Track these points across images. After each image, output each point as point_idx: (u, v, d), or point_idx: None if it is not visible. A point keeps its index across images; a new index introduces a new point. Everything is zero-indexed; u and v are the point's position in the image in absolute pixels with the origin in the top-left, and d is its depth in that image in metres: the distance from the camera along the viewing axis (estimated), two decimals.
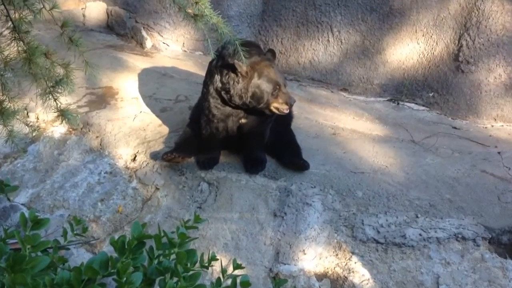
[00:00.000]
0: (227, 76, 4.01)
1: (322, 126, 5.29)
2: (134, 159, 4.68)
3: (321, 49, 6.24)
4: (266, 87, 3.97)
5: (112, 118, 5.10)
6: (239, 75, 3.95)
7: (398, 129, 5.43)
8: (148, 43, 6.92)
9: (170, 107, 5.38)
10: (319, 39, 6.21)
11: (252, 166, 4.42)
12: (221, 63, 4.02)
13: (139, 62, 6.31)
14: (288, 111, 4.10)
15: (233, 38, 2.98)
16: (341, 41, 6.13)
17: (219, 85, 4.07)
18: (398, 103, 6.05)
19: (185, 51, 6.85)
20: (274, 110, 4.06)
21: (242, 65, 3.81)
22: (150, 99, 5.49)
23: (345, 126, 5.34)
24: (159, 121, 5.10)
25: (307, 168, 4.41)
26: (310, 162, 4.44)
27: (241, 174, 4.40)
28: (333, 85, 6.28)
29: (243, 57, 3.21)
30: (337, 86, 6.27)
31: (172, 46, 6.89)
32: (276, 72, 4.06)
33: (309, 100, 5.98)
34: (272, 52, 4.22)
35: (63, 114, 2.93)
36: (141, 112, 5.24)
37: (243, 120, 4.29)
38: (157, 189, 4.44)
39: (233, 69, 3.96)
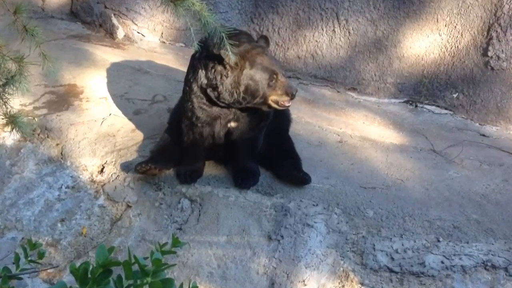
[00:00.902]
0: (213, 70, 4.01)
1: (326, 133, 5.30)
2: (101, 171, 4.67)
3: (325, 41, 6.25)
4: (261, 77, 3.98)
5: (75, 122, 5.08)
6: (227, 67, 3.96)
7: (416, 136, 5.45)
8: (120, 33, 6.92)
9: (145, 109, 5.37)
10: (323, 29, 6.23)
11: (243, 179, 4.41)
12: (206, 56, 4.03)
13: (108, 55, 6.29)
14: (290, 103, 4.10)
15: (219, 28, 2.98)
16: (349, 32, 6.15)
17: (204, 81, 4.08)
18: (416, 106, 6.07)
19: (163, 42, 6.85)
20: (274, 105, 4.06)
21: (230, 55, 3.81)
22: (122, 99, 5.48)
23: (354, 133, 5.35)
24: (132, 126, 5.09)
25: (308, 182, 4.41)
26: (311, 174, 4.44)
27: (229, 189, 4.39)
28: (339, 84, 6.29)
29: (229, 48, 3.22)
30: (344, 85, 6.29)
31: (148, 37, 6.89)
32: (271, 59, 4.08)
33: (310, 101, 5.99)
34: (265, 38, 4.24)
35: (13, 121, 2.90)
36: (110, 114, 5.22)
37: (232, 124, 4.29)
38: (129, 207, 4.42)
39: (219, 60, 3.95)
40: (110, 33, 6.94)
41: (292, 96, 4.03)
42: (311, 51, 6.32)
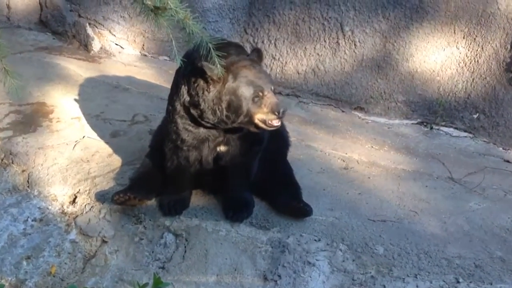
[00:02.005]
0: (195, 85, 4.01)
1: (330, 158, 5.31)
2: (73, 202, 4.65)
3: (328, 55, 6.29)
4: (244, 91, 3.95)
5: (44, 146, 5.08)
6: (210, 80, 3.96)
7: (431, 162, 5.46)
8: (95, 45, 6.95)
9: (123, 131, 5.38)
10: (325, 41, 6.28)
11: (235, 211, 4.40)
12: (190, 70, 4.03)
13: (82, 70, 6.31)
14: (279, 123, 4.06)
15: (205, 39, 3.00)
16: (354, 44, 6.19)
17: (187, 98, 4.08)
18: (431, 128, 6.09)
19: (145, 55, 6.88)
20: (261, 124, 4.02)
21: (214, 68, 3.81)
22: (97, 119, 5.48)
23: (361, 158, 5.37)
24: (109, 150, 5.09)
25: (309, 214, 4.40)
26: (313, 205, 4.44)
27: (219, 222, 4.38)
28: (344, 103, 6.32)
29: (217, 61, 3.22)
30: (349, 104, 6.31)
31: (128, 49, 6.91)
32: (258, 73, 4.04)
33: (312, 122, 6.00)
34: (257, 51, 4.23)
35: None
36: (84, 137, 5.23)
37: (222, 148, 4.29)
38: (105, 242, 4.41)
39: (202, 74, 3.96)
40: (85, 45, 6.97)
41: (279, 115, 3.99)
42: (312, 65, 6.35)
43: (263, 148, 4.41)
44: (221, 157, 4.32)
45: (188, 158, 4.31)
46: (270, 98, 3.99)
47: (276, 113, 3.96)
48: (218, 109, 3.98)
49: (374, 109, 6.25)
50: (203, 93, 3.98)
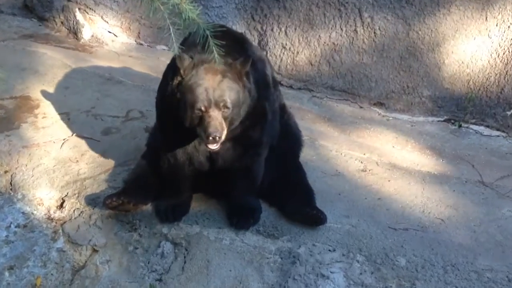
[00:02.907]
0: (169, 74, 4.06)
1: (346, 159, 5.31)
2: (61, 206, 4.66)
3: (344, 44, 6.29)
4: (190, 98, 3.88)
5: (28, 144, 5.10)
6: (176, 71, 3.93)
7: (459, 164, 5.45)
8: (86, 32, 6.96)
9: (117, 128, 5.39)
10: (341, 29, 6.27)
11: (240, 217, 4.41)
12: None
13: (71, 60, 6.31)
14: (216, 147, 3.92)
15: (202, 26, 3.00)
16: (374, 32, 6.19)
17: (162, 88, 4.18)
18: (460, 126, 6.08)
19: (141, 44, 6.89)
20: (204, 139, 3.92)
21: (186, 59, 3.81)
22: (87, 115, 5.50)
23: (381, 159, 5.36)
24: (100, 149, 5.10)
25: (323, 221, 4.40)
26: (327, 212, 4.44)
27: (222, 230, 4.39)
28: (362, 98, 6.32)
29: (214, 49, 3.21)
30: (368, 98, 6.31)
31: (122, 37, 6.92)
32: (220, 84, 3.90)
33: (326, 119, 6.00)
34: (245, 59, 3.99)
35: None
36: (73, 135, 5.24)
37: None
38: (95, 251, 4.41)
39: (174, 63, 3.95)
40: (74, 32, 6.98)
41: (210, 140, 3.84)
42: (326, 56, 6.35)
43: (264, 151, 4.36)
44: (215, 159, 4.29)
45: (177, 157, 4.29)
46: (210, 118, 3.87)
47: (207, 136, 3.84)
48: (175, 104, 3.96)
49: (396, 105, 6.25)
50: (169, 83, 3.99)
